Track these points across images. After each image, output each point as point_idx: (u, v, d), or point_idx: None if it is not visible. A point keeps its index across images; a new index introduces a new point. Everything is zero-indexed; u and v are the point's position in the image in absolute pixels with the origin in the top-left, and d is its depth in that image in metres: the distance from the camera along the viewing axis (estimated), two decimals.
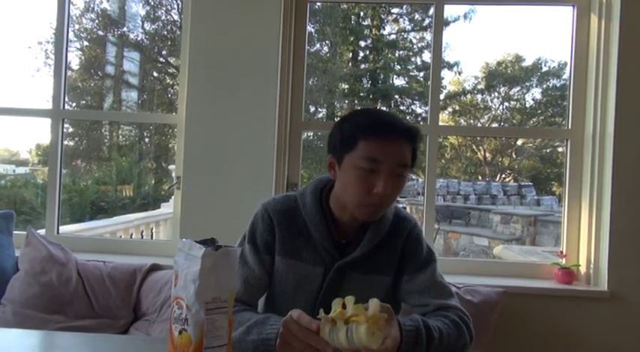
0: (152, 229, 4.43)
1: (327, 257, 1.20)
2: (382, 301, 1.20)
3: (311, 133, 2.43)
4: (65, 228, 2.74)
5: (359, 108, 1.31)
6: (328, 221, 1.20)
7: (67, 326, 1.73)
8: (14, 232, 2.01)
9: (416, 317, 1.10)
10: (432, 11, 2.23)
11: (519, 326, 1.94)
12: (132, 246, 2.32)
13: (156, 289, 1.84)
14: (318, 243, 1.20)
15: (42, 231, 2.24)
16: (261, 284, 1.21)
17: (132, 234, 4.11)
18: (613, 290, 1.95)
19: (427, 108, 2.25)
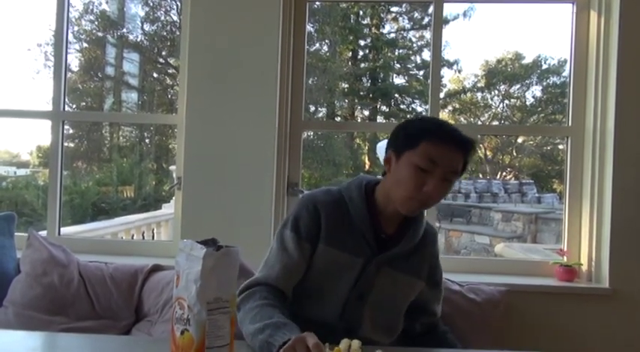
0: (153, 230, 4.44)
1: (367, 249, 1.27)
2: (405, 301, 1.35)
3: (311, 133, 2.43)
4: (66, 230, 2.75)
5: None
6: (372, 214, 1.28)
7: (69, 328, 1.73)
8: (15, 234, 2.01)
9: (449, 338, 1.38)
10: (431, 9, 2.23)
11: (520, 323, 1.93)
12: (133, 247, 2.32)
13: (157, 290, 1.84)
14: (361, 234, 1.27)
15: (43, 233, 2.24)
16: (299, 271, 1.26)
17: (133, 235, 4.12)
18: (614, 288, 1.95)
19: (427, 106, 2.25)
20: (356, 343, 0.90)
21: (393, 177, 1.24)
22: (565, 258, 2.09)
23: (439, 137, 1.19)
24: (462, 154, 1.22)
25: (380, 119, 12.05)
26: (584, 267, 2.07)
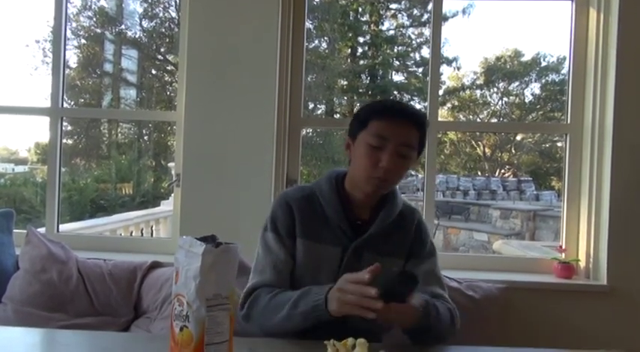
0: (152, 227, 4.44)
1: (344, 238, 1.29)
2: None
3: (310, 130, 2.42)
4: (65, 227, 2.74)
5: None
6: (344, 203, 1.30)
7: (68, 324, 1.73)
8: (14, 231, 2.01)
9: (423, 295, 1.19)
10: (430, 6, 2.23)
11: (518, 320, 1.94)
12: (132, 244, 2.32)
13: (156, 286, 1.84)
14: (335, 224, 1.29)
15: (42, 230, 2.24)
16: (289, 268, 1.29)
17: (132, 232, 4.11)
18: (612, 285, 1.96)
19: (426, 103, 2.25)
20: (361, 341, 0.90)
21: (353, 161, 1.29)
22: (563, 255, 2.10)
23: (386, 113, 1.24)
24: (412, 128, 1.24)
25: None
26: (582, 264, 2.08)
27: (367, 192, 1.27)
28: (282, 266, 1.27)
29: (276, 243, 1.28)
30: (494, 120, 16.40)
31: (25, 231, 1.95)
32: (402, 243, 1.33)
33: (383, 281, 1.02)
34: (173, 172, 2.24)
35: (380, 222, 1.30)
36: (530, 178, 15.69)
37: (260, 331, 1.22)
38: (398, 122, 1.23)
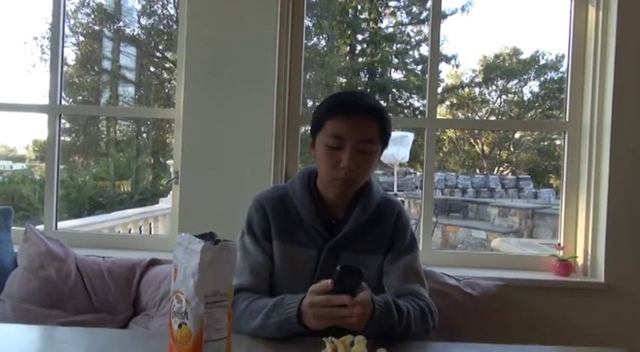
0: (150, 224, 4.44)
1: (319, 238, 1.26)
2: (375, 281, 1.26)
3: (309, 128, 2.42)
4: (63, 224, 2.74)
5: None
6: (317, 203, 1.27)
7: (66, 321, 1.73)
8: (12, 228, 2.00)
9: (384, 295, 1.16)
10: (429, 4, 2.23)
11: (516, 317, 1.95)
12: (130, 242, 2.32)
13: (155, 284, 1.84)
14: (309, 224, 1.26)
15: (40, 227, 2.24)
16: (267, 270, 1.26)
17: (130, 230, 4.11)
18: (610, 282, 1.96)
19: (425, 101, 2.25)
20: (360, 337, 0.90)
21: (317, 163, 1.25)
22: (561, 253, 2.10)
23: (339, 112, 1.18)
24: (370, 122, 1.18)
25: None
26: (580, 261, 2.08)
27: (335, 193, 1.23)
28: (260, 269, 1.24)
29: (253, 245, 1.26)
30: (492, 118, 16.42)
31: (23, 229, 1.94)
32: (381, 239, 1.28)
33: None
34: (172, 170, 2.24)
35: (354, 220, 1.25)
36: (529, 176, 15.73)
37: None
38: (353, 118, 1.17)
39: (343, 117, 1.17)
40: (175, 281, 0.86)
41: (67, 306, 1.80)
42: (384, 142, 1.24)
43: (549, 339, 1.95)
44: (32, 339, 1.13)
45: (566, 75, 2.23)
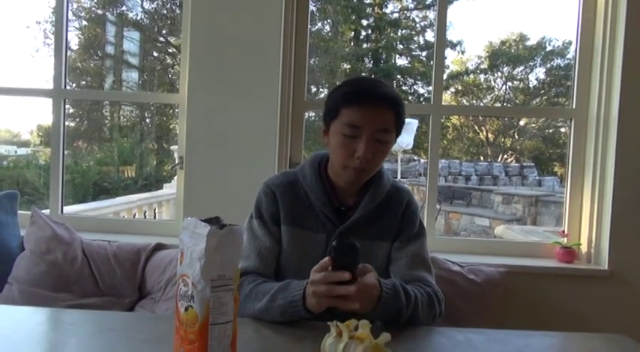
0: (155, 210, 4.46)
1: (328, 224, 1.26)
2: (382, 268, 1.26)
3: (313, 113, 2.41)
4: (68, 209, 2.76)
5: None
6: (327, 189, 1.27)
7: (73, 304, 1.76)
8: (18, 212, 2.02)
9: (392, 279, 1.16)
10: None
11: (520, 304, 1.96)
12: (135, 226, 2.34)
13: (160, 268, 1.86)
14: (318, 210, 1.26)
15: (45, 212, 2.25)
16: (274, 254, 1.27)
17: (135, 215, 4.13)
18: (613, 269, 1.97)
19: (430, 88, 2.23)
20: (364, 322, 0.90)
21: (330, 150, 1.24)
22: (565, 240, 2.10)
23: (356, 101, 1.16)
24: (386, 111, 1.17)
25: None
26: (584, 249, 2.08)
27: (347, 181, 1.23)
28: (266, 252, 1.25)
29: (262, 229, 1.27)
30: (497, 104, 16.28)
31: (28, 213, 1.96)
32: (390, 226, 1.29)
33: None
34: (176, 155, 2.24)
35: (364, 207, 1.26)
36: (533, 164, 15.67)
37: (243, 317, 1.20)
38: (369, 108, 1.16)
39: (360, 106, 1.16)
40: (182, 264, 0.86)
41: (73, 289, 1.82)
42: (399, 130, 1.23)
43: (552, 326, 1.95)
44: (40, 321, 1.15)
45: (573, 62, 2.21)
